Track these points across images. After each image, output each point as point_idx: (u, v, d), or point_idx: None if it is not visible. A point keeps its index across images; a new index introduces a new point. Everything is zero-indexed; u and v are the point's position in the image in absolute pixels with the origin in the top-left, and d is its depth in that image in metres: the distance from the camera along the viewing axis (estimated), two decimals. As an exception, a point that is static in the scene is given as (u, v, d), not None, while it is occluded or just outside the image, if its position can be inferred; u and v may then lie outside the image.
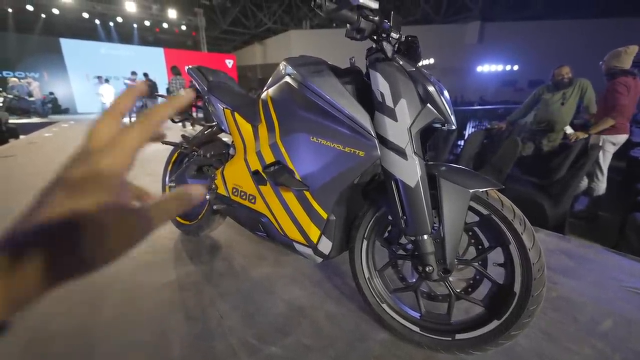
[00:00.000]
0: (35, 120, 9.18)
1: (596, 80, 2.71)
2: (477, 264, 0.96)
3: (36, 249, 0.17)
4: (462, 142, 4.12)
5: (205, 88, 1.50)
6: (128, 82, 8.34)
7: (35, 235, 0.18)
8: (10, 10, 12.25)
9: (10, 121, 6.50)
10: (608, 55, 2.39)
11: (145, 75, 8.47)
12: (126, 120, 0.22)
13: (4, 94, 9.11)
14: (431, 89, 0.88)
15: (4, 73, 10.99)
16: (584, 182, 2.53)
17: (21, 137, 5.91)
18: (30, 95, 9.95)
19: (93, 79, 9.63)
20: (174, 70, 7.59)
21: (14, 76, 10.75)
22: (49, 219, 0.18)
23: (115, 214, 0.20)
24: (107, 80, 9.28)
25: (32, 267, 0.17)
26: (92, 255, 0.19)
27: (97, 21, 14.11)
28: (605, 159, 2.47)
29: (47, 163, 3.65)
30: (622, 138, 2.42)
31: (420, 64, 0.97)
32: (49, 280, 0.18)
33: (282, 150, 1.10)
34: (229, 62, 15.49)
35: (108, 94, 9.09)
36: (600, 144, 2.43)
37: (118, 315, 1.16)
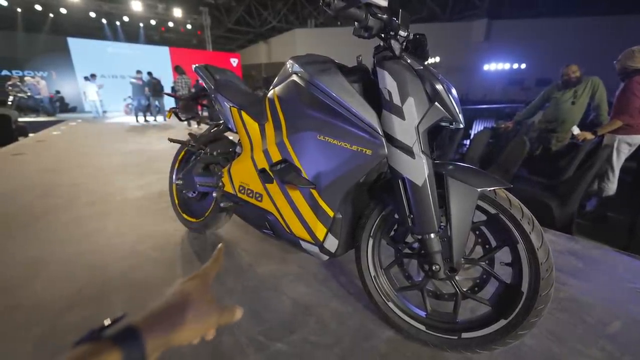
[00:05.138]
0: (43, 118, 9.33)
1: (606, 79, 2.66)
2: (484, 263, 0.95)
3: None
4: (467, 142, 4.09)
5: (212, 87, 1.50)
6: (134, 80, 8.51)
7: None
8: (19, 10, 12.43)
9: (20, 119, 6.61)
10: (622, 54, 2.35)
11: (149, 74, 8.59)
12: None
13: (14, 92, 9.29)
14: (439, 87, 0.87)
15: (14, 72, 11.17)
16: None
17: (30, 135, 6.00)
18: (38, 93, 10.15)
19: (95, 77, 9.76)
20: (178, 70, 7.69)
21: (24, 75, 10.95)
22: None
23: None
24: (87, 79, 9.51)
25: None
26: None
27: (103, 20, 14.27)
28: (618, 160, 2.42)
29: (56, 161, 3.70)
30: (638, 139, 2.37)
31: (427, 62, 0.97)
32: None
33: (289, 148, 1.11)
34: (234, 61, 15.51)
35: (91, 92, 9.31)
36: (616, 145, 2.38)
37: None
